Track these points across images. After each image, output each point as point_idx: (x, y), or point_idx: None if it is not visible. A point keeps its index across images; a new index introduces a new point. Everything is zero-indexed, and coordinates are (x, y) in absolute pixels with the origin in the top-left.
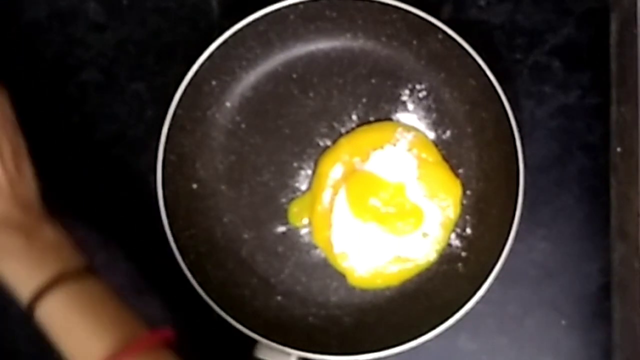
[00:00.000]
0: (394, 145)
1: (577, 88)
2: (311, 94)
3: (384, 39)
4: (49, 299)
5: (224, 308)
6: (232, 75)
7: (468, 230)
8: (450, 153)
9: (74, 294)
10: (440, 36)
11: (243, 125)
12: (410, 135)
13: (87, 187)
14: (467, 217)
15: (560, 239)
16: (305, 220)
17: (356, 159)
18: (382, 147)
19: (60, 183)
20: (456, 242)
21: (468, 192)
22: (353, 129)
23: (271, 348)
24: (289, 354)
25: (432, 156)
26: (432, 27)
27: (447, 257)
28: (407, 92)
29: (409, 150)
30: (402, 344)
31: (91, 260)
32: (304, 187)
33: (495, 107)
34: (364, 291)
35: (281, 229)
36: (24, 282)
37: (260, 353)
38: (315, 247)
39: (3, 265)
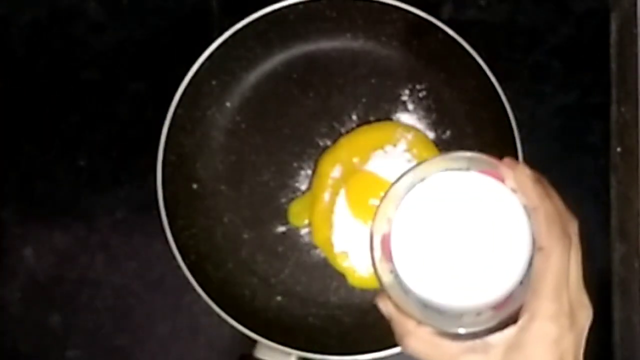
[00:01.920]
0: (394, 145)
1: (577, 88)
2: (311, 94)
3: (384, 39)
4: None
5: (224, 308)
6: (232, 75)
7: None
8: None
9: None
10: (440, 36)
11: (243, 125)
12: (410, 135)
13: (87, 187)
14: None
15: None
16: (305, 220)
17: (356, 159)
18: (382, 147)
19: (60, 183)
20: None
21: None
22: (353, 129)
23: (271, 348)
24: (289, 354)
25: (433, 156)
26: (432, 27)
27: None
28: (407, 92)
29: (409, 150)
30: None
31: (91, 260)
32: (304, 187)
33: (495, 107)
34: (364, 291)
35: (281, 229)
36: None
37: (260, 353)
38: (315, 247)
39: None
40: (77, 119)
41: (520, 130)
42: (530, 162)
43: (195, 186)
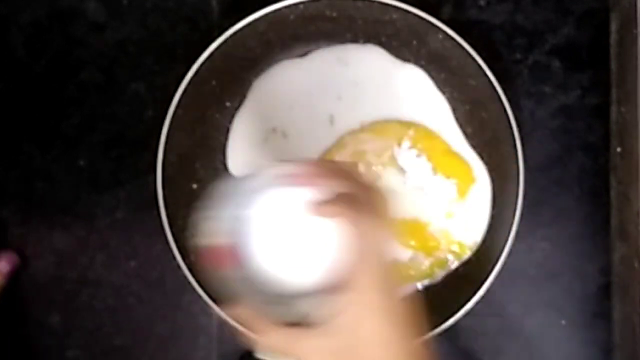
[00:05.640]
0: (399, 145)
1: (577, 88)
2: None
3: (384, 39)
4: None
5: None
6: (232, 75)
7: None
8: None
9: None
10: (440, 36)
11: None
12: (411, 132)
13: (87, 187)
14: None
15: (560, 239)
16: None
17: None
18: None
19: (60, 183)
20: None
21: None
22: (354, 129)
23: None
24: None
25: (439, 145)
26: (432, 27)
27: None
28: None
29: (414, 145)
30: None
31: (91, 260)
32: None
33: (495, 107)
34: None
35: None
36: None
37: (260, 353)
38: None
39: None
40: (77, 119)
41: (520, 130)
42: (530, 162)
43: (195, 186)
